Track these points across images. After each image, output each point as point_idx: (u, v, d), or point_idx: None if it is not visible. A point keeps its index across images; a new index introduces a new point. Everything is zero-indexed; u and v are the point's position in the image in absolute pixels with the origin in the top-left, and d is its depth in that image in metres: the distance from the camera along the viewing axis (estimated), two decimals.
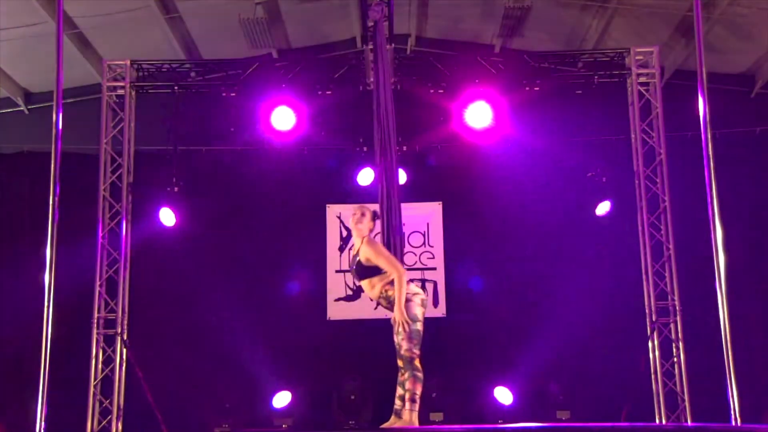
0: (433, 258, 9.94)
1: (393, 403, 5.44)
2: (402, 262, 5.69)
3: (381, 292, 5.53)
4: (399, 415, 5.38)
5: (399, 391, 5.41)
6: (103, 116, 8.93)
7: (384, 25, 6.63)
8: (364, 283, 5.63)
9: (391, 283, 5.44)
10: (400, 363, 5.39)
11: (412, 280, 5.68)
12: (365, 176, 9.63)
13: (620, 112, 9.17)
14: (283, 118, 8.99)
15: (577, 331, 9.20)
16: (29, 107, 10.10)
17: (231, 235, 9.78)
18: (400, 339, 5.35)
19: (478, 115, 9.05)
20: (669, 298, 8.59)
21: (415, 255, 9.92)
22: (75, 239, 8.34)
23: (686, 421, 8.25)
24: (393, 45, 8.81)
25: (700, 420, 8.19)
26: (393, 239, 5.87)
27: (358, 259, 5.58)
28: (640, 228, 8.80)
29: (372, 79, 6.88)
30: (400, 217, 6.03)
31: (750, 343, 9.07)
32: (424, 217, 9.97)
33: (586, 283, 9.39)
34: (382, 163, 6.05)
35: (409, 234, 9.79)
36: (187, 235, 9.39)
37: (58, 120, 5.24)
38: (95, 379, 8.51)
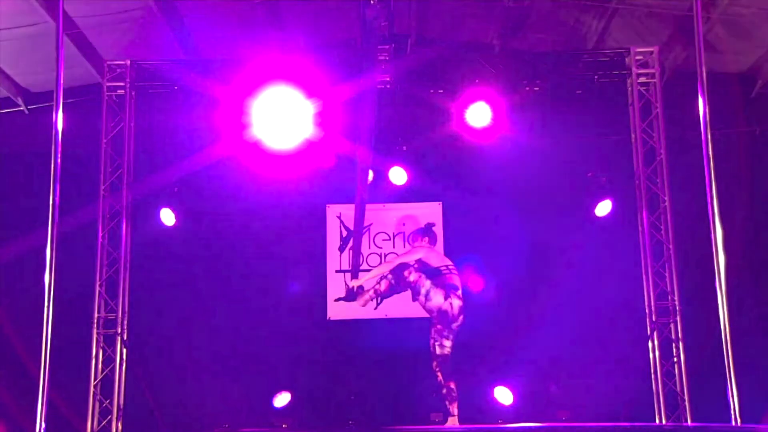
0: None
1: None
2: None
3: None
4: None
5: None
6: (103, 116, 8.93)
7: (377, 25, 6.62)
8: None
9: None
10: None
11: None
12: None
13: (620, 112, 9.17)
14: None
15: (577, 331, 9.19)
16: (29, 107, 10.08)
17: (231, 235, 9.76)
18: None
19: (478, 115, 9.05)
20: (669, 298, 8.59)
21: None
22: (75, 239, 8.36)
23: (686, 421, 8.25)
24: (393, 45, 8.81)
25: (700, 420, 8.19)
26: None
27: None
28: (640, 228, 8.80)
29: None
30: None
31: (750, 343, 9.06)
32: (424, 217, 9.93)
33: (586, 283, 9.38)
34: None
35: (410, 234, 9.77)
36: (187, 235, 9.40)
37: (58, 120, 5.25)
38: (95, 379, 8.52)
